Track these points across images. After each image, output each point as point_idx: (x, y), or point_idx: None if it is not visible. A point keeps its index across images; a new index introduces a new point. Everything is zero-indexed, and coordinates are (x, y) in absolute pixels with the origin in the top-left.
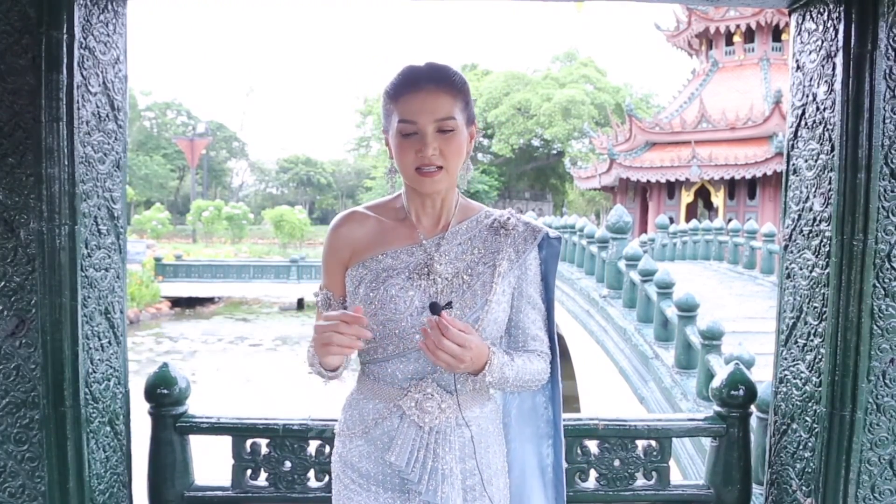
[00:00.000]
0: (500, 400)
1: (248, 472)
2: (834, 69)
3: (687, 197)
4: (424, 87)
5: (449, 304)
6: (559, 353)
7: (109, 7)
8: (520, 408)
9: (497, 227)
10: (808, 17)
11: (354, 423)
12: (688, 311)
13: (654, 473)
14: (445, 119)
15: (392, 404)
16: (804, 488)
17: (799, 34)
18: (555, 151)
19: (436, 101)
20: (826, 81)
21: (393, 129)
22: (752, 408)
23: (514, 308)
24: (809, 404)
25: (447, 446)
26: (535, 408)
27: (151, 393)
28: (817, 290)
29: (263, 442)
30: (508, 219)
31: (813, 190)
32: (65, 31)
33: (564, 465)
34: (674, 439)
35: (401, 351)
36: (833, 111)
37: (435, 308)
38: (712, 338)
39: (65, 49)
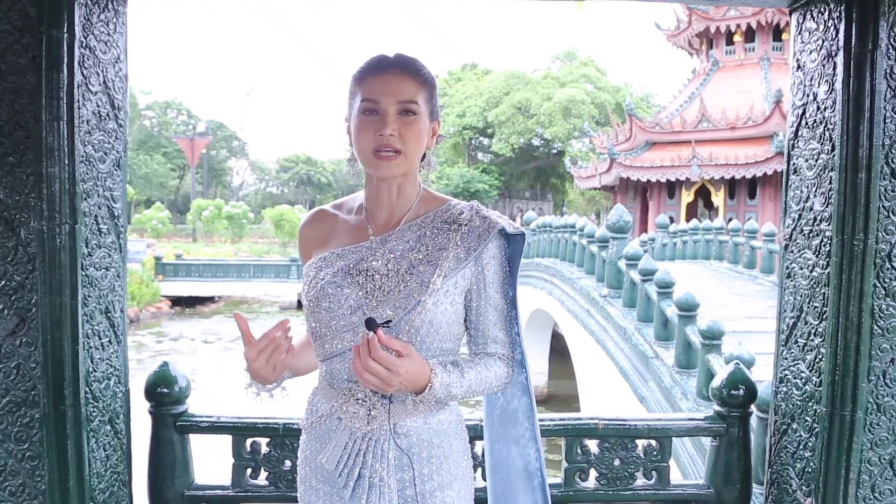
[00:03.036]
0: (484, 402)
1: (249, 471)
2: (834, 69)
3: (687, 196)
4: (390, 70)
5: (387, 323)
6: (559, 352)
7: (110, 6)
8: (504, 409)
9: (450, 223)
10: (808, 16)
11: (307, 416)
12: (688, 310)
13: (654, 473)
14: (408, 101)
15: (331, 405)
16: (804, 488)
17: (799, 34)
18: (555, 151)
19: (400, 84)
20: (827, 81)
21: (355, 110)
22: (753, 407)
23: (474, 310)
24: (810, 404)
25: (379, 455)
26: (520, 409)
27: (151, 392)
28: (818, 289)
29: (263, 441)
30: (462, 213)
31: (813, 189)
32: (65, 30)
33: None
34: (674, 439)
35: (337, 350)
36: (834, 111)
37: (371, 324)
38: (712, 337)
39: (65, 48)
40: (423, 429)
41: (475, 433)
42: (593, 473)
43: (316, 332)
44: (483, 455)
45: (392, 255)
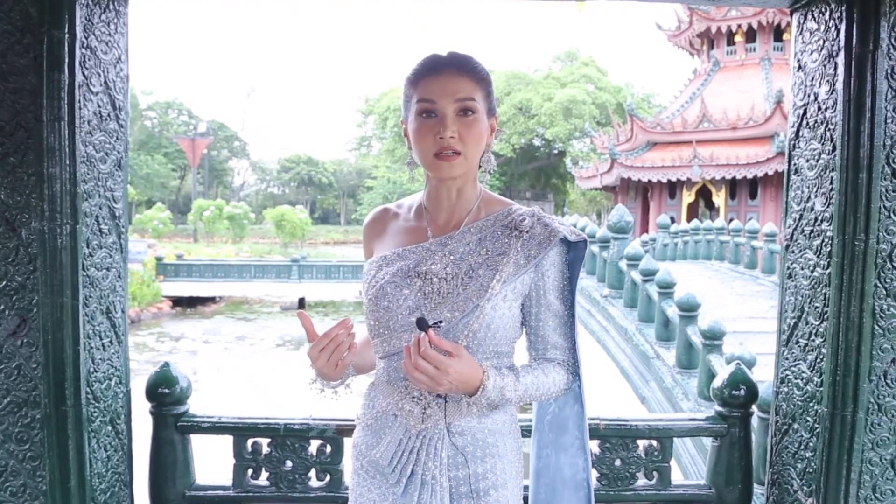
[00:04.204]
0: (535, 406)
1: (249, 471)
2: (835, 69)
3: (688, 196)
4: (446, 70)
5: (438, 323)
6: None
7: (111, 6)
8: (556, 415)
9: (511, 228)
10: (809, 16)
11: (364, 411)
12: (689, 310)
13: (655, 473)
14: (466, 100)
15: (388, 402)
16: (805, 488)
17: (800, 34)
18: (556, 151)
19: (457, 84)
20: (828, 81)
21: (411, 113)
22: (754, 408)
23: (534, 315)
24: (811, 404)
25: (433, 453)
26: (571, 417)
27: (153, 392)
28: (819, 289)
29: (264, 441)
30: (524, 219)
31: (814, 190)
32: (66, 30)
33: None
34: (675, 439)
35: (394, 350)
36: (835, 111)
37: (422, 324)
38: (713, 338)
39: (66, 49)
40: (478, 428)
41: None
42: (594, 474)
43: (374, 331)
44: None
45: (451, 258)
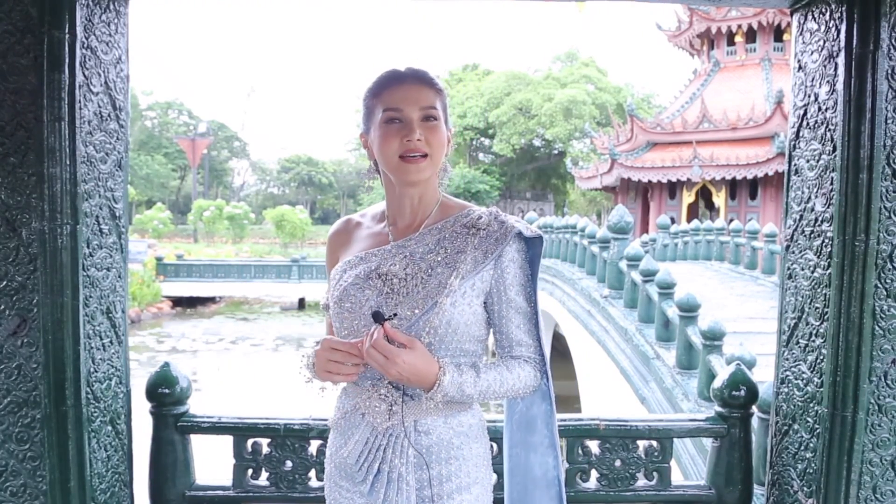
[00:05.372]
0: (504, 405)
1: (250, 471)
2: (836, 69)
3: (688, 197)
4: (408, 81)
5: (393, 316)
6: (560, 353)
7: (111, 7)
8: (523, 414)
9: (469, 227)
10: (809, 17)
11: (334, 413)
12: (689, 311)
13: (655, 474)
14: (429, 107)
15: (355, 402)
16: (805, 489)
17: (801, 34)
18: (556, 151)
19: (419, 93)
20: (828, 81)
21: (376, 123)
22: (754, 408)
23: (496, 313)
24: (811, 405)
25: (399, 451)
26: (539, 415)
27: (153, 392)
28: (819, 290)
29: (264, 441)
30: (480, 217)
31: (815, 190)
32: (67, 30)
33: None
34: (675, 440)
35: None
36: (835, 111)
37: (377, 317)
38: (713, 338)
39: (67, 49)
40: (444, 428)
41: (497, 435)
42: (594, 474)
43: (340, 333)
44: (502, 458)
45: (411, 259)
